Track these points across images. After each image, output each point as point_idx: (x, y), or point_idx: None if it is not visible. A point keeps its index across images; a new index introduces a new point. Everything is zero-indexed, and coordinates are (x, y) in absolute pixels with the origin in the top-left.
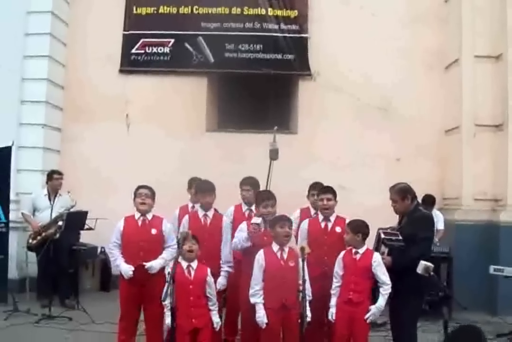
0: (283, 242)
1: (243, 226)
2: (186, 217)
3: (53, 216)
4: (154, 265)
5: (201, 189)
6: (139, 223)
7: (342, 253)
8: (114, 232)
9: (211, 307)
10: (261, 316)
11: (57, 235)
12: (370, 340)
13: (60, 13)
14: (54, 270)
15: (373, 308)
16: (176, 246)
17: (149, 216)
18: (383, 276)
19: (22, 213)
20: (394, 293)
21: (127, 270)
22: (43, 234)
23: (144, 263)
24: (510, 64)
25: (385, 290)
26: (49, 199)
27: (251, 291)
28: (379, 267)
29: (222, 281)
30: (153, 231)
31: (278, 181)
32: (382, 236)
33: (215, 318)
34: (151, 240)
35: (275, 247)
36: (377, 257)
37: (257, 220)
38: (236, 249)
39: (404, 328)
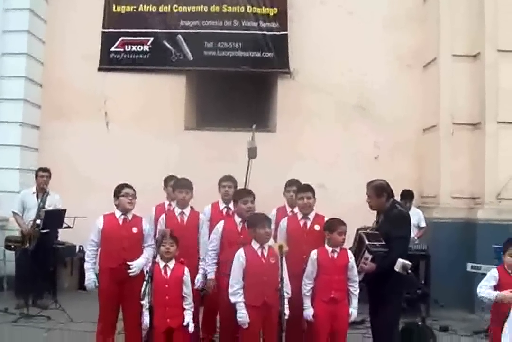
0: (264, 241)
1: (219, 227)
2: (163, 215)
3: None
4: (137, 264)
5: (177, 185)
6: (120, 221)
7: (314, 253)
8: (92, 230)
9: (185, 306)
10: (243, 316)
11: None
12: (349, 338)
13: (39, 10)
14: (32, 269)
15: (352, 310)
16: (155, 246)
17: (129, 215)
18: (356, 273)
19: (13, 212)
20: (375, 292)
21: (91, 281)
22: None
23: (129, 263)
24: (488, 63)
25: (356, 290)
26: (37, 197)
27: (230, 290)
28: (354, 265)
29: (200, 278)
30: (134, 230)
31: (257, 178)
32: (366, 242)
33: (188, 318)
34: (133, 238)
35: (255, 245)
36: (351, 254)
37: None
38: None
39: (386, 327)
